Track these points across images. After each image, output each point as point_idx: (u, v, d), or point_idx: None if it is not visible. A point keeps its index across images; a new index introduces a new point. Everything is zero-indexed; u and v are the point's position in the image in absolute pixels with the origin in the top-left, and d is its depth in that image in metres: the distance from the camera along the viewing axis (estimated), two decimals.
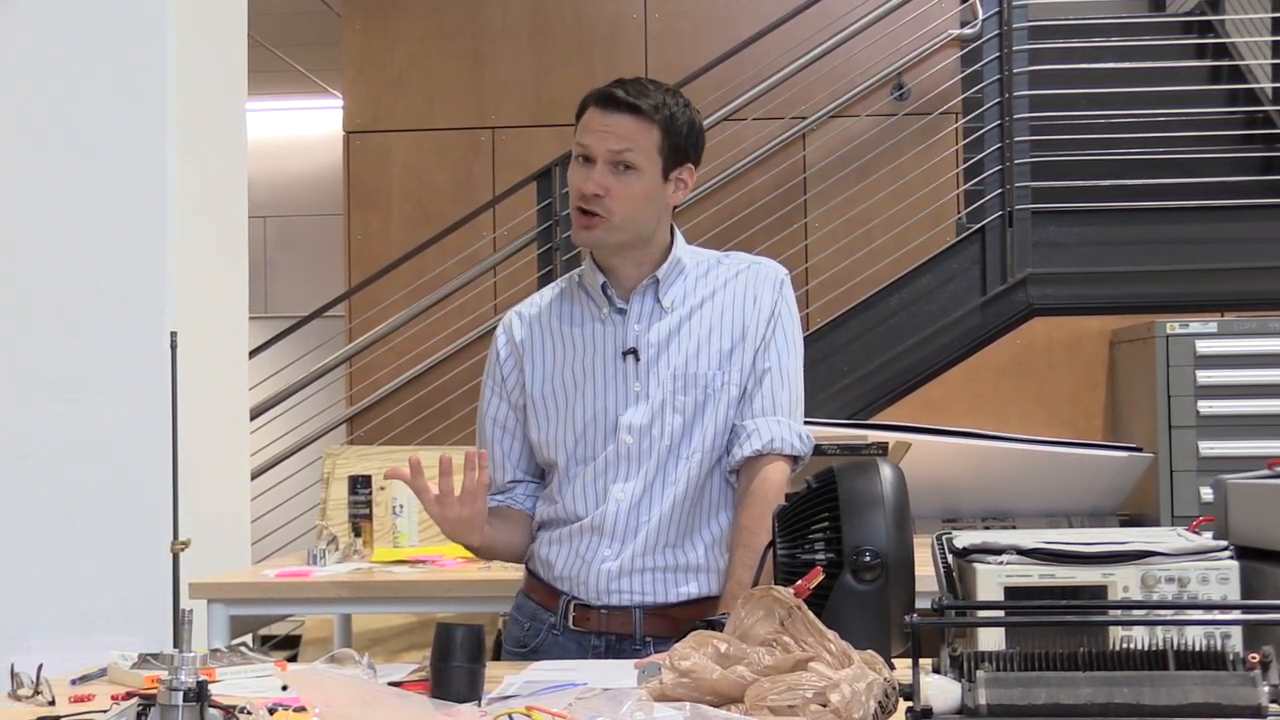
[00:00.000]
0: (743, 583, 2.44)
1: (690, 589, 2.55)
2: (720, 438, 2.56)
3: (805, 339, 6.25)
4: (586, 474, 2.56)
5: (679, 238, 2.65)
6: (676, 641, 2.40)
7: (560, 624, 2.57)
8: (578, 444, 2.57)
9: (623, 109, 2.51)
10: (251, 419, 5.09)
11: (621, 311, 2.60)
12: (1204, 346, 5.36)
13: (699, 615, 2.51)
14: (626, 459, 2.54)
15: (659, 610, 2.54)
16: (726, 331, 2.58)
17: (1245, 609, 1.96)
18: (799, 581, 1.96)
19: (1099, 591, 2.02)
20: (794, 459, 2.59)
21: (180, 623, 1.68)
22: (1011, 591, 2.02)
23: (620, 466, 2.55)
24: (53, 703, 2.07)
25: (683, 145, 2.57)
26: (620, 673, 2.10)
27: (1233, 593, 2.01)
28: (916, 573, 2.08)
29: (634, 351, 2.57)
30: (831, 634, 1.77)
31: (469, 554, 3.90)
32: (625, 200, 2.51)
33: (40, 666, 2.13)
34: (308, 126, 10.50)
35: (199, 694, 1.63)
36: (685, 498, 2.54)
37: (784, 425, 2.57)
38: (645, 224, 2.57)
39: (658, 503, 2.53)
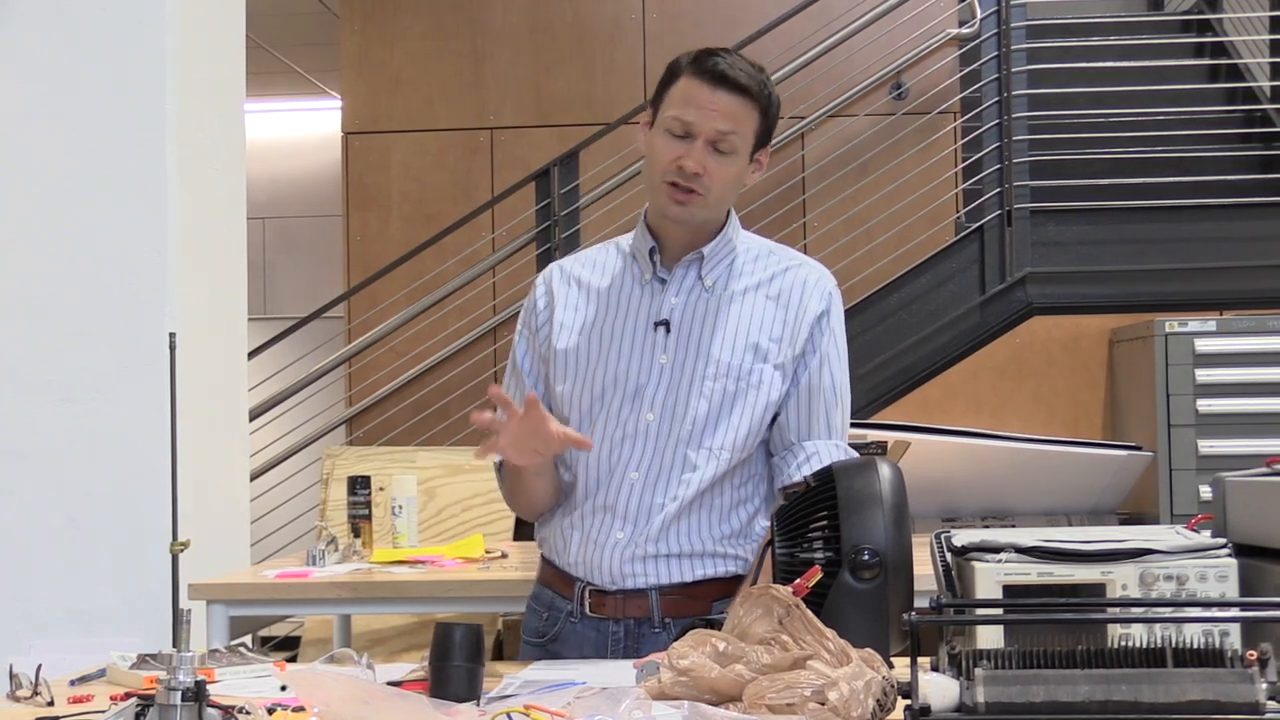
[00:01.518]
0: None
1: (705, 570, 2.50)
2: (752, 439, 2.50)
3: None
4: (603, 443, 2.49)
5: (734, 218, 2.59)
6: (697, 621, 2.41)
7: (577, 611, 2.52)
8: (594, 404, 2.50)
9: (731, 88, 2.43)
10: (251, 420, 5.09)
11: (662, 281, 2.54)
12: (1203, 345, 5.37)
13: (718, 594, 2.49)
14: (645, 436, 2.48)
15: (675, 590, 2.49)
16: (765, 327, 2.51)
17: (1244, 606, 1.96)
18: (797, 580, 1.96)
19: (1097, 589, 2.02)
20: None
21: (179, 623, 1.68)
22: (1010, 590, 2.02)
23: (638, 442, 2.48)
24: (51, 703, 2.07)
25: (771, 127, 2.52)
26: (619, 671, 2.11)
27: (1231, 590, 2.02)
28: (915, 571, 2.08)
29: (666, 323, 2.51)
30: (830, 632, 1.77)
31: (468, 554, 3.94)
32: (721, 181, 2.46)
33: (39, 667, 2.14)
34: (306, 127, 10.51)
35: (197, 694, 1.63)
36: (704, 490, 2.48)
37: (840, 450, 2.52)
38: (729, 203, 2.54)
39: (674, 489, 2.47)
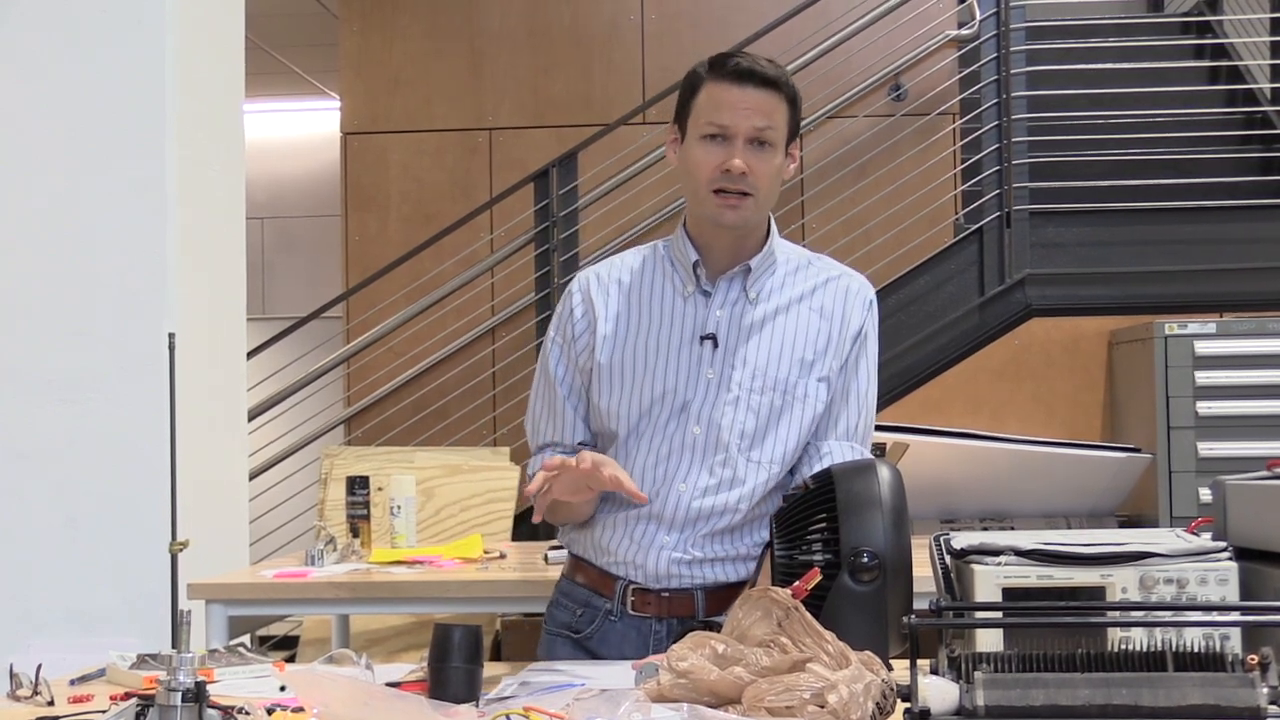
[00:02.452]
0: None
1: (750, 570, 2.49)
2: (799, 452, 2.51)
3: None
4: (649, 457, 2.48)
5: (774, 227, 2.59)
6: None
7: (618, 609, 2.51)
8: (641, 419, 2.49)
9: (759, 83, 2.43)
10: (250, 420, 5.09)
11: (706, 293, 2.52)
12: (1202, 347, 5.36)
13: None
14: (693, 450, 2.47)
15: (721, 589, 2.48)
16: (811, 341, 2.51)
17: (1244, 610, 1.96)
18: (797, 582, 1.96)
19: (1097, 593, 2.02)
20: None
21: (179, 623, 1.68)
22: (1009, 592, 2.02)
23: (685, 456, 2.47)
24: (51, 703, 2.07)
25: (799, 119, 2.53)
26: (618, 673, 2.10)
27: (1231, 594, 2.02)
28: (914, 574, 2.08)
29: (713, 337, 2.49)
30: (829, 635, 1.77)
31: (467, 555, 3.94)
32: (766, 178, 2.46)
33: (39, 666, 2.14)
34: (305, 128, 10.50)
35: (197, 694, 1.63)
36: (752, 503, 2.47)
37: (856, 452, 2.53)
38: (774, 200, 2.53)
39: (723, 501, 2.46)
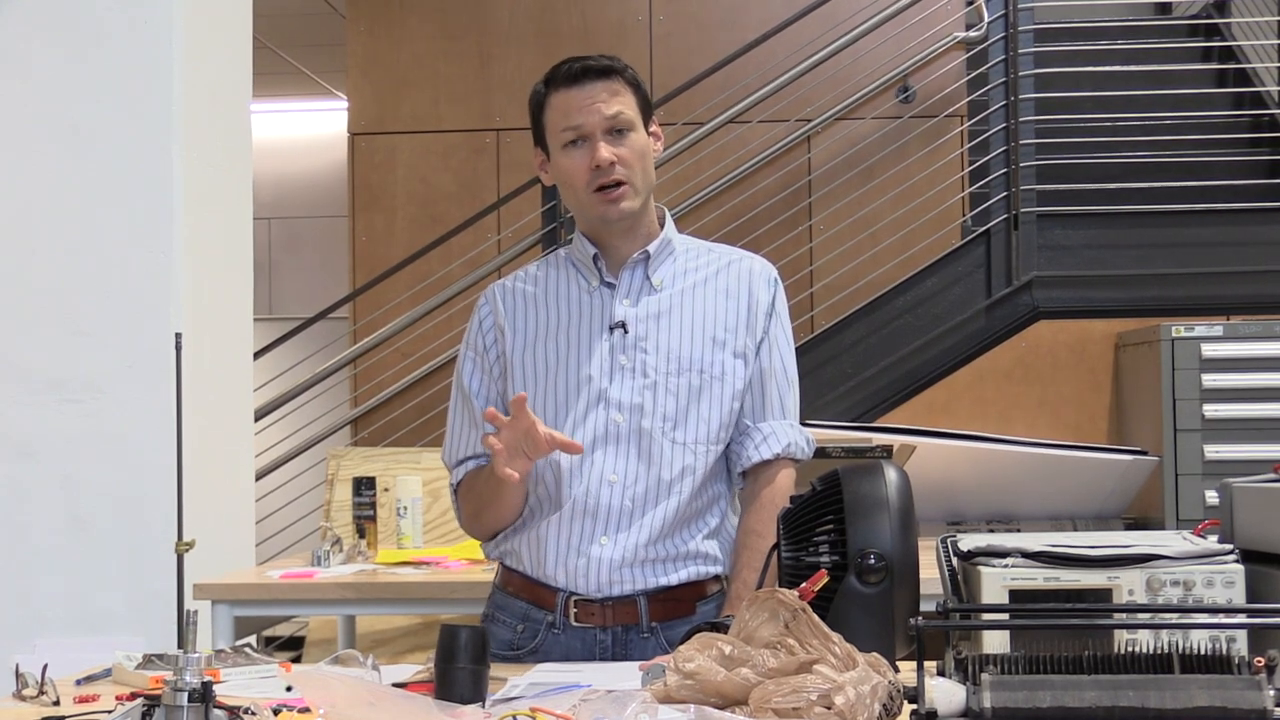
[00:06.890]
0: (749, 585, 2.42)
1: (688, 573, 2.50)
2: (724, 431, 2.53)
3: (810, 342, 6.26)
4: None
5: (669, 217, 2.63)
6: (683, 624, 2.39)
7: (561, 622, 2.49)
8: (559, 412, 2.49)
9: (595, 76, 2.50)
10: (256, 420, 5.09)
11: (610, 285, 2.56)
12: (1209, 350, 5.35)
13: (699, 595, 2.51)
14: (617, 439, 2.48)
15: (662, 594, 2.49)
16: (720, 320, 2.54)
17: (1250, 612, 1.95)
18: (804, 584, 1.96)
19: (1104, 595, 2.02)
20: (797, 462, 2.59)
21: (185, 623, 1.68)
22: (1016, 594, 2.02)
23: (609, 445, 2.48)
24: (57, 703, 2.07)
25: (647, 97, 2.57)
26: (625, 674, 2.10)
27: (1238, 596, 2.01)
28: (921, 575, 2.08)
29: (622, 325, 2.52)
30: (836, 636, 1.77)
31: (473, 556, 3.94)
32: (634, 160, 2.50)
33: (45, 666, 2.14)
34: (312, 128, 10.52)
35: (204, 694, 1.63)
36: (685, 488, 2.48)
37: (796, 430, 2.57)
38: (651, 179, 2.56)
39: (655, 489, 2.47)
